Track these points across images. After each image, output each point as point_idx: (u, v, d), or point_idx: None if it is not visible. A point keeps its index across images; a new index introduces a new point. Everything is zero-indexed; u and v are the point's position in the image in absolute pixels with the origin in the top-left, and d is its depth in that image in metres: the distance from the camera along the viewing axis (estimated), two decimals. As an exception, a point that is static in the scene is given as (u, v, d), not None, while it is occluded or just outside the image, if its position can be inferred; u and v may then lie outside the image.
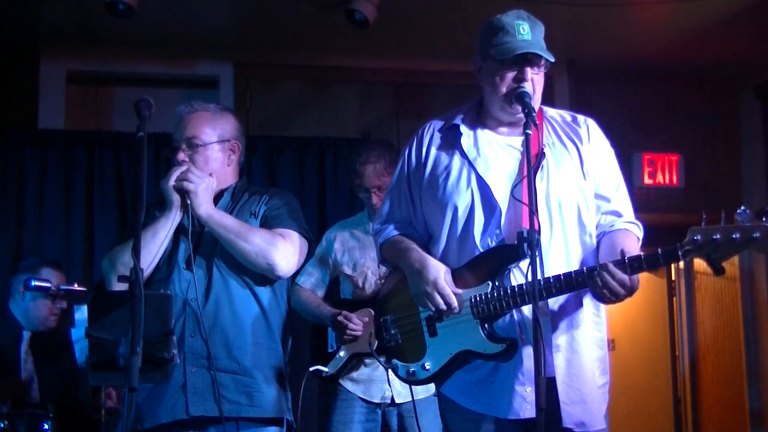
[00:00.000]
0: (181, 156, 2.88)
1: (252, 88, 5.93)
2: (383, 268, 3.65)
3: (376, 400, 3.68)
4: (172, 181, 2.81)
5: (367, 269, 3.73)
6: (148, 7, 4.93)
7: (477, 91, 2.65)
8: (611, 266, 2.27)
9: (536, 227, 2.26)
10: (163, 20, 5.36)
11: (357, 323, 3.55)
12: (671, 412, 6.89)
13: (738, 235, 2.18)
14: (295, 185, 5.45)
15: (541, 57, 2.46)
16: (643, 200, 6.14)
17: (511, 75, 2.46)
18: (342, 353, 3.66)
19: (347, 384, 3.69)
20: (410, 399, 3.54)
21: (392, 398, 3.65)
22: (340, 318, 3.57)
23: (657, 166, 6.30)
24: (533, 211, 2.26)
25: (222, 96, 5.81)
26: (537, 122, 2.37)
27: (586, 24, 5.47)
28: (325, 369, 3.67)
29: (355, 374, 3.69)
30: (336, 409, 3.68)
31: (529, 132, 2.32)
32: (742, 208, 2.19)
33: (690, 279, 6.81)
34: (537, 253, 2.22)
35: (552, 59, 2.47)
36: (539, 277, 2.29)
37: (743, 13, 5.30)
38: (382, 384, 3.65)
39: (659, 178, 6.30)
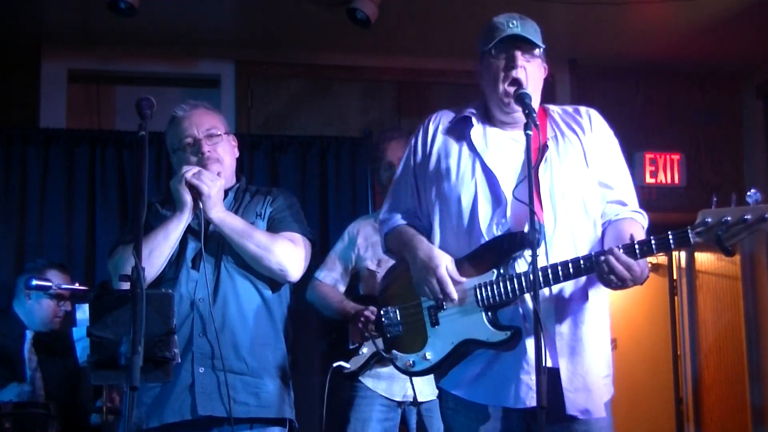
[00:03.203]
0: (206, 148, 2.84)
1: (253, 87, 5.92)
2: None
3: (398, 399, 3.66)
4: (188, 179, 2.73)
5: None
6: (149, 6, 4.93)
7: (479, 91, 2.65)
8: (616, 250, 2.28)
9: (537, 227, 2.26)
10: (164, 19, 5.36)
11: None
12: (673, 412, 6.87)
13: (749, 217, 2.18)
14: (297, 184, 5.44)
15: (532, 47, 2.48)
16: (644, 199, 6.02)
17: (501, 63, 2.48)
18: (365, 350, 3.63)
19: (367, 381, 3.66)
20: (432, 398, 3.52)
21: (414, 397, 3.61)
22: (367, 313, 3.51)
23: (659, 165, 6.29)
24: (533, 211, 2.26)
25: (223, 95, 5.81)
26: (537, 123, 2.36)
27: (587, 23, 5.46)
28: (347, 365, 3.62)
29: (376, 371, 3.65)
30: (355, 406, 3.65)
31: (530, 132, 2.32)
32: (753, 190, 2.19)
33: (692, 278, 6.80)
34: (536, 253, 2.23)
35: (541, 45, 2.50)
36: (545, 269, 2.32)
37: (745, 11, 5.29)
38: (404, 382, 3.61)
39: (661, 177, 6.28)
